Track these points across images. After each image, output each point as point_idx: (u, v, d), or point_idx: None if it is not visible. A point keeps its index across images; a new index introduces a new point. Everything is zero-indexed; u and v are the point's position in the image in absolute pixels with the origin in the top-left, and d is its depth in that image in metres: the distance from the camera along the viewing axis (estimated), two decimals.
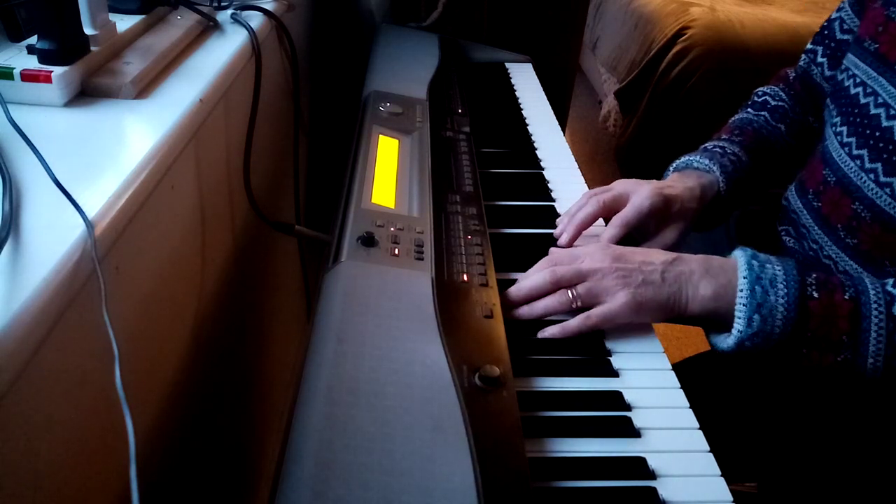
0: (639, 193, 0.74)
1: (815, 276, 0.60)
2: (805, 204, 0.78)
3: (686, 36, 2.22)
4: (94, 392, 0.49)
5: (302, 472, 0.41)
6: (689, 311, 0.62)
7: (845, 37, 0.83)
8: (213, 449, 0.84)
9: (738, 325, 0.59)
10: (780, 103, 0.90)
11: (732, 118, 0.92)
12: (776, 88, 0.92)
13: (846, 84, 0.75)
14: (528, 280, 0.65)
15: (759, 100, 0.92)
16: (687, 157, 0.84)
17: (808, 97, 0.90)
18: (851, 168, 0.71)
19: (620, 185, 0.76)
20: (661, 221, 0.76)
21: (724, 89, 2.17)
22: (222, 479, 0.88)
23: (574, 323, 0.62)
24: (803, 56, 0.90)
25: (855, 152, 0.71)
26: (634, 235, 0.76)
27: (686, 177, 0.81)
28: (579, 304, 0.62)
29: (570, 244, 0.74)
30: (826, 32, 0.87)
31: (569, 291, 0.63)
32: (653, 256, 0.64)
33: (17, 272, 0.40)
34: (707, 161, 0.81)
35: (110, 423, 0.50)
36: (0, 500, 0.39)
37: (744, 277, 0.60)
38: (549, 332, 0.62)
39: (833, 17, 0.86)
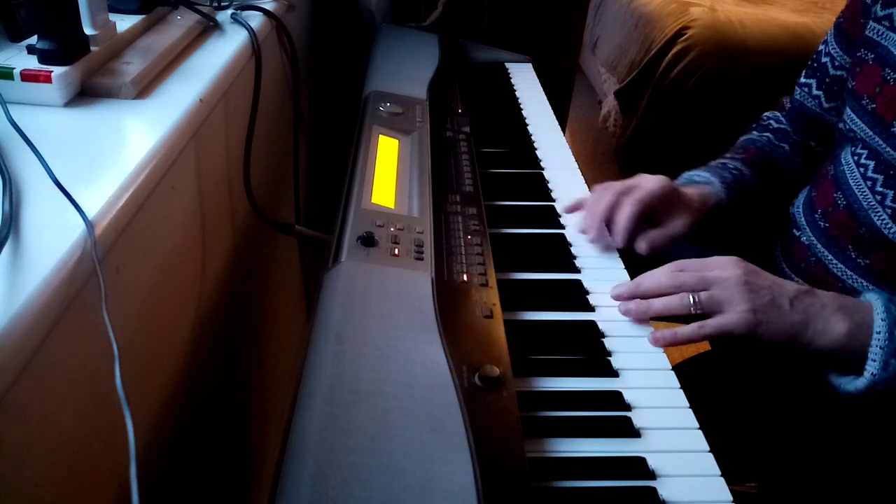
0: (649, 178, 0.75)
1: None
2: (810, 222, 0.78)
3: (686, 36, 2.22)
4: (94, 392, 0.49)
5: (302, 472, 0.41)
6: (815, 345, 0.60)
7: (838, 73, 0.83)
8: (213, 449, 0.84)
9: (873, 367, 0.58)
10: (781, 126, 0.91)
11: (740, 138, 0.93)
12: (778, 114, 0.93)
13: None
14: (650, 278, 0.64)
15: (764, 122, 0.93)
16: (688, 174, 0.85)
17: (807, 125, 0.90)
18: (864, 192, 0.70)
19: (631, 179, 0.77)
20: (669, 209, 0.76)
21: (724, 89, 2.17)
22: (222, 478, 0.88)
23: (687, 331, 0.60)
24: (797, 90, 0.90)
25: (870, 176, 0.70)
26: (643, 224, 0.76)
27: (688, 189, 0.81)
28: (699, 310, 0.61)
29: (598, 235, 0.73)
30: (816, 65, 0.86)
31: (690, 296, 0.61)
32: (785, 283, 0.63)
33: (17, 272, 0.40)
34: (707, 174, 0.82)
35: (110, 422, 0.50)
36: (0, 500, 0.39)
37: (882, 319, 0.59)
38: (658, 335, 0.61)
39: (821, 49, 0.86)
